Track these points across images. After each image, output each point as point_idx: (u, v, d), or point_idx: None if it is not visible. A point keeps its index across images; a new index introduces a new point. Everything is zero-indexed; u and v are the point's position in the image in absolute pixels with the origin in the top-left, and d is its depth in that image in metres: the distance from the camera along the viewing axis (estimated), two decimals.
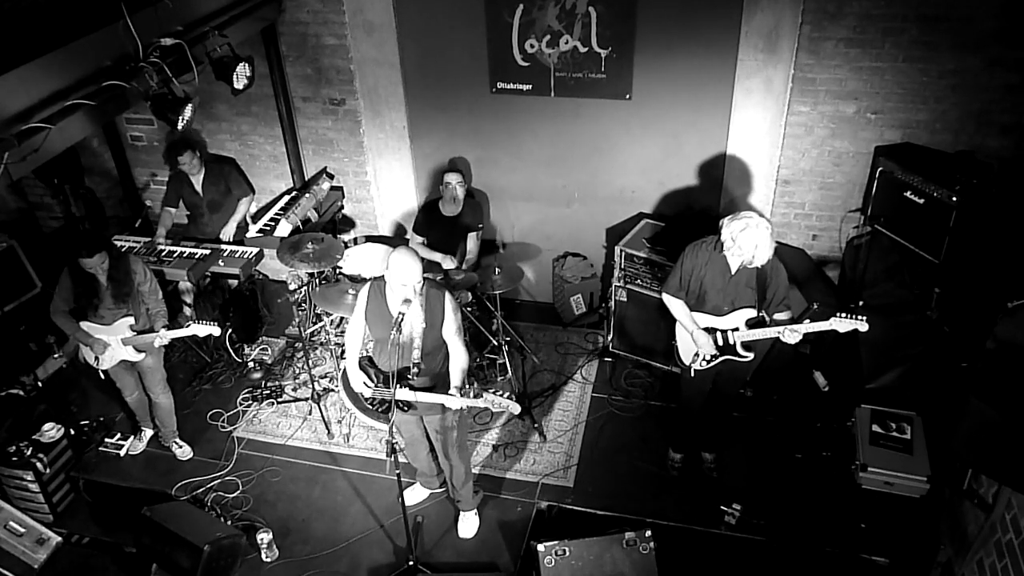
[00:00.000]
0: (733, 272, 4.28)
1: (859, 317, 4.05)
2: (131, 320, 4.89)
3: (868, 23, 5.06)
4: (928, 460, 4.64)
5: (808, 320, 4.22)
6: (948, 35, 4.96)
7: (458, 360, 4.17)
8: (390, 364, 4.02)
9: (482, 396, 4.01)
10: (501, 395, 4.01)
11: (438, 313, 4.08)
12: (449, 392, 4.05)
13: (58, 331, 6.06)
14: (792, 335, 4.20)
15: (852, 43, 5.15)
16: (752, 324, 4.38)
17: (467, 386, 4.10)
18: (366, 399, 4.25)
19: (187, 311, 6.38)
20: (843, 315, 4.07)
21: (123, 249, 5.84)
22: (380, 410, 4.20)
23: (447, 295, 4.13)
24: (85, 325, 4.87)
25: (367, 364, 4.25)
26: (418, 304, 4.03)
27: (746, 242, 4.08)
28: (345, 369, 5.44)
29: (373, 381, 4.17)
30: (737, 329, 4.40)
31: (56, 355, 6.15)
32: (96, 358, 4.97)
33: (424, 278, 4.08)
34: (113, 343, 4.91)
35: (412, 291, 3.90)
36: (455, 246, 5.94)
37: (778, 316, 4.37)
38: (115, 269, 4.77)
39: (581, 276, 6.47)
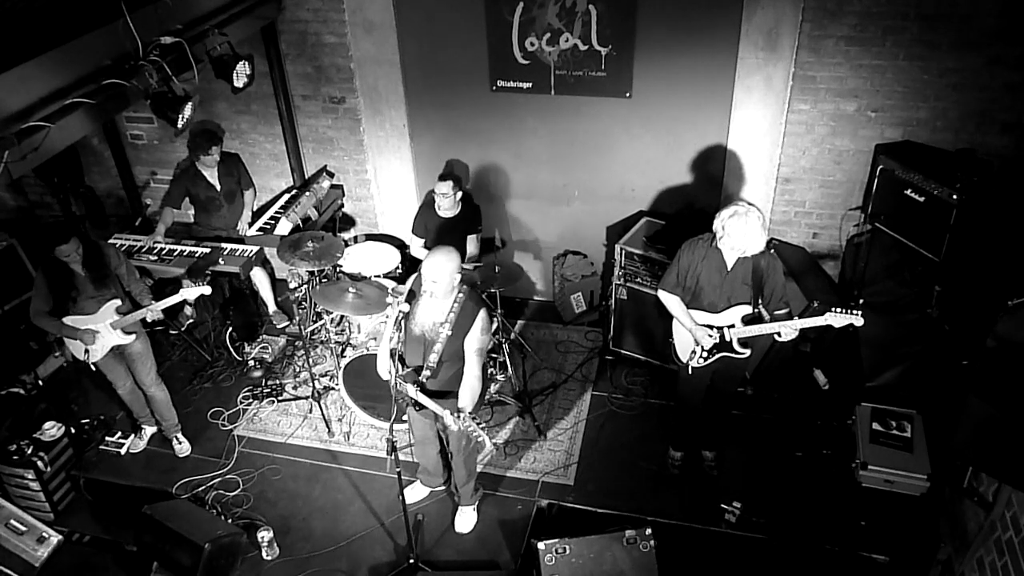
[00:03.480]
0: (729, 268, 4.29)
1: (855, 312, 4.05)
2: (117, 302, 4.87)
3: (869, 21, 5.06)
4: (928, 458, 4.64)
5: (803, 316, 4.22)
6: (949, 33, 4.96)
7: (469, 382, 4.12)
8: (409, 360, 4.09)
9: (463, 420, 3.95)
10: (482, 427, 3.95)
11: (466, 325, 4.07)
12: (454, 409, 4.02)
13: None
14: (788, 331, 4.21)
15: (853, 41, 5.15)
16: (748, 320, 4.38)
17: (470, 411, 4.04)
18: (391, 386, 4.26)
19: (188, 310, 6.38)
20: (838, 310, 4.07)
21: (123, 248, 5.84)
22: (400, 400, 4.18)
23: (482, 312, 4.10)
24: (69, 319, 4.84)
25: (396, 353, 4.27)
26: (449, 310, 4.04)
27: (735, 229, 4.09)
28: (346, 366, 5.44)
29: (396, 370, 4.18)
30: (733, 326, 4.40)
31: (56, 354, 6.15)
32: (86, 351, 4.92)
33: (467, 288, 4.09)
34: (102, 330, 4.88)
35: (435, 289, 3.93)
36: (453, 247, 5.92)
37: (778, 314, 4.37)
38: (89, 256, 4.75)
39: (581, 274, 6.48)
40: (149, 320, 4.98)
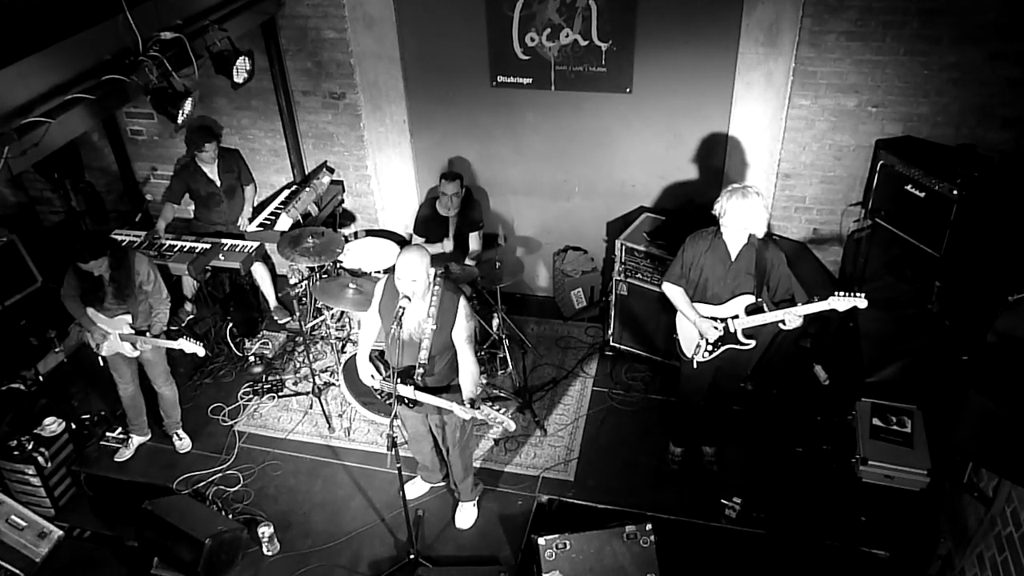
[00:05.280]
0: (733, 258, 4.28)
1: (858, 294, 4.04)
2: (129, 318, 4.87)
3: (869, 16, 5.05)
4: (928, 454, 4.65)
5: (806, 302, 4.20)
6: (949, 28, 4.95)
7: (468, 370, 4.14)
8: (394, 359, 4.03)
9: (480, 408, 4.00)
10: (499, 410, 4.00)
11: (449, 317, 4.06)
12: (460, 402, 4.05)
13: (58, 326, 6.08)
14: (792, 319, 4.19)
15: (853, 36, 5.14)
16: (751, 311, 4.37)
17: (477, 399, 4.08)
18: (376, 390, 4.26)
19: (188, 306, 6.38)
20: (842, 293, 4.06)
21: (123, 244, 5.83)
22: (389, 401, 4.20)
23: (462, 300, 4.09)
24: (90, 312, 4.86)
25: (377, 357, 4.26)
26: (429, 305, 4.02)
27: (733, 205, 4.11)
28: (346, 362, 5.45)
29: (382, 374, 4.18)
30: (737, 316, 4.40)
31: (57, 349, 6.15)
32: (97, 344, 4.96)
33: (441, 279, 4.08)
34: (112, 336, 4.91)
35: (415, 288, 3.91)
36: (456, 244, 5.93)
37: (783, 304, 4.34)
38: (116, 270, 4.75)
39: (582, 270, 6.47)
40: (139, 348, 4.95)
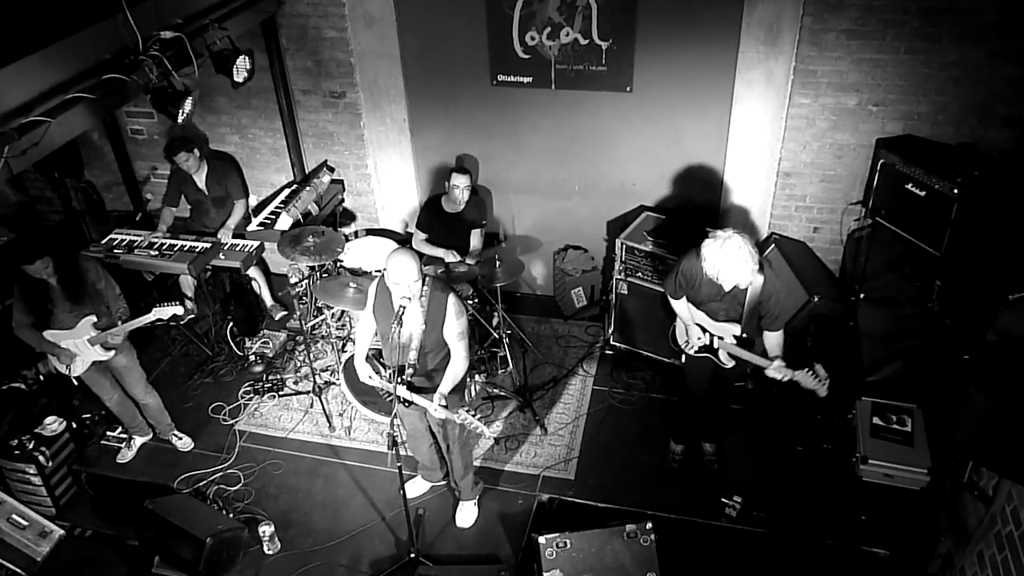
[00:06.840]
0: (727, 288, 4.23)
1: (823, 382, 4.14)
2: (94, 318, 4.77)
3: (869, 15, 5.05)
4: (928, 452, 4.65)
5: (780, 366, 4.25)
6: (950, 27, 4.95)
7: (454, 366, 4.13)
8: (391, 359, 4.02)
9: (458, 413, 3.98)
10: (476, 416, 3.98)
11: (439, 315, 4.04)
12: (433, 397, 4.02)
13: None
14: (772, 369, 4.25)
15: (854, 35, 5.14)
16: (740, 342, 4.40)
17: (458, 396, 4.06)
18: (379, 391, 4.26)
19: (188, 304, 6.38)
20: (810, 373, 4.15)
21: (123, 243, 5.85)
22: (390, 398, 4.19)
23: (451, 297, 4.06)
24: (49, 334, 4.76)
25: (374, 357, 4.26)
26: (418, 304, 4.01)
27: (711, 253, 4.02)
28: (346, 361, 5.45)
29: (379, 374, 4.18)
30: (723, 339, 4.44)
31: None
32: (67, 366, 4.87)
33: (429, 278, 4.06)
34: (80, 346, 4.80)
35: (407, 290, 3.89)
36: (458, 242, 5.93)
37: (768, 335, 4.31)
38: (63, 272, 4.65)
39: (582, 269, 6.47)
40: (111, 342, 4.84)
